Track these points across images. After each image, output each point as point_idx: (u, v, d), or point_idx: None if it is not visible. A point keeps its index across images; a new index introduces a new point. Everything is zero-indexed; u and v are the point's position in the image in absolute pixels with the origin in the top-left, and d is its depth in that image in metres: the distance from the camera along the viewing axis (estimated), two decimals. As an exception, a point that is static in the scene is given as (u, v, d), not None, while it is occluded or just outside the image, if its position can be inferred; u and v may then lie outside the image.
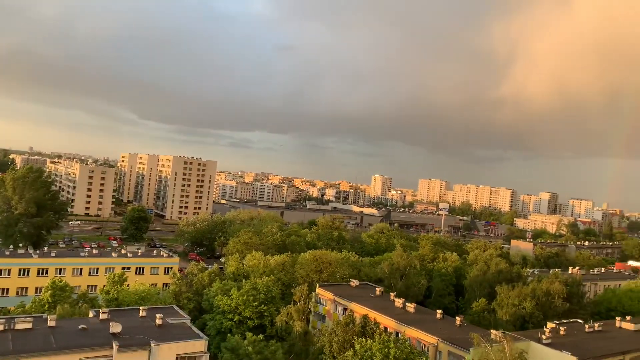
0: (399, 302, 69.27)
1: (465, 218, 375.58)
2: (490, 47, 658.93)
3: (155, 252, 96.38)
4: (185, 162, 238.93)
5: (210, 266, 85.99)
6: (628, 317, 73.66)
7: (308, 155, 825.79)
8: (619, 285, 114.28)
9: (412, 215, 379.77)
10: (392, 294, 74.17)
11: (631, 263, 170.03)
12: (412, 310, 66.76)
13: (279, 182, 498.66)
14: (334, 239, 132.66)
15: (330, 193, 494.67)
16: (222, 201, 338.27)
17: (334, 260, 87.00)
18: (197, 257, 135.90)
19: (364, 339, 48.63)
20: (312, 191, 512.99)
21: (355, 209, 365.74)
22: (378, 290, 75.96)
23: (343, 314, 67.32)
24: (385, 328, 59.33)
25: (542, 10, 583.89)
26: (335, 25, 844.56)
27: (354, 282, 79.92)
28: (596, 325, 67.52)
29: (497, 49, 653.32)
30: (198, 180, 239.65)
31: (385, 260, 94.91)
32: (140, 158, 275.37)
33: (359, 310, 64.97)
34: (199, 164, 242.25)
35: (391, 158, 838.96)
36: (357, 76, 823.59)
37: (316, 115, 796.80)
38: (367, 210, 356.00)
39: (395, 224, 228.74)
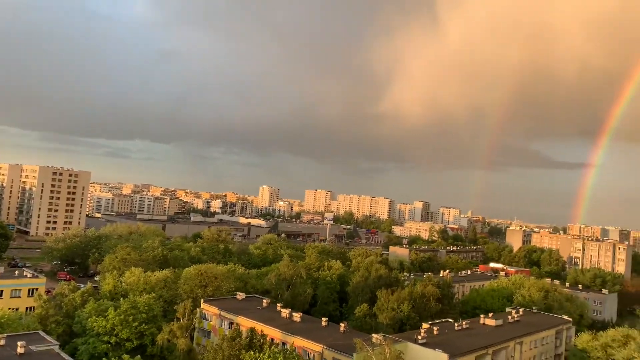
0: (285, 312, 69.79)
1: (348, 227, 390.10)
2: (370, 64, 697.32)
3: (17, 272, 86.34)
4: (55, 173, 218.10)
5: (83, 285, 79.30)
6: (490, 314, 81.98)
7: (193, 166, 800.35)
8: (483, 285, 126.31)
9: (299, 225, 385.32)
10: (279, 304, 74.51)
11: (492, 265, 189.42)
12: (298, 319, 67.63)
13: (161, 194, 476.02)
14: (220, 252, 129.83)
15: (216, 205, 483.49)
16: (97, 215, 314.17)
17: (219, 273, 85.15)
18: (68, 277, 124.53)
19: (252, 352, 48.19)
20: (197, 203, 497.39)
21: (243, 220, 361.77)
22: (265, 301, 75.81)
23: (229, 328, 66.08)
24: (272, 339, 59.37)
25: (415, 32, 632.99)
26: (222, 34, 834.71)
27: (241, 295, 78.93)
28: (464, 323, 74.17)
29: (377, 67, 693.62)
30: (69, 193, 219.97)
31: (272, 271, 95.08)
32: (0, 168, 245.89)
33: (245, 323, 64.26)
34: (70, 175, 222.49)
35: (279, 169, 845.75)
36: (243, 86, 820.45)
37: (201, 124, 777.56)
38: (255, 222, 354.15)
39: (283, 235, 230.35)
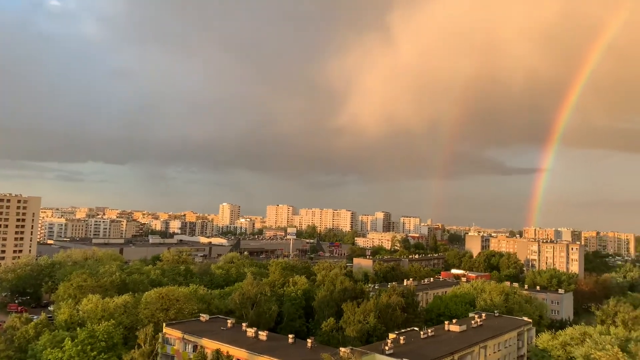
0: (251, 331, 68.62)
1: (312, 241, 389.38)
2: (328, 80, 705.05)
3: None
4: (1, 200, 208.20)
5: (36, 317, 75.49)
6: (454, 320, 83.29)
7: (150, 186, 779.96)
8: (446, 292, 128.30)
9: (261, 242, 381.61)
10: (244, 324, 73.23)
11: (453, 271, 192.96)
12: (264, 338, 66.60)
13: (117, 217, 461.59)
14: (181, 273, 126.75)
15: (175, 225, 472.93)
16: (50, 242, 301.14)
17: (181, 296, 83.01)
18: (19, 308, 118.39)
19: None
20: (156, 224, 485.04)
21: (203, 240, 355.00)
22: (229, 322, 74.32)
23: (193, 351, 64.42)
24: (239, 360, 58.19)
25: (370, 48, 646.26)
26: (177, 52, 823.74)
27: (204, 317, 77.11)
28: (429, 331, 75.04)
29: (334, 82, 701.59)
30: (18, 220, 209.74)
31: (236, 291, 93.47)
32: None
33: (210, 345, 62.77)
34: (19, 201, 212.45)
35: (239, 185, 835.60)
36: (201, 103, 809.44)
37: (158, 143, 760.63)
38: (216, 241, 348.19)
39: (245, 252, 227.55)
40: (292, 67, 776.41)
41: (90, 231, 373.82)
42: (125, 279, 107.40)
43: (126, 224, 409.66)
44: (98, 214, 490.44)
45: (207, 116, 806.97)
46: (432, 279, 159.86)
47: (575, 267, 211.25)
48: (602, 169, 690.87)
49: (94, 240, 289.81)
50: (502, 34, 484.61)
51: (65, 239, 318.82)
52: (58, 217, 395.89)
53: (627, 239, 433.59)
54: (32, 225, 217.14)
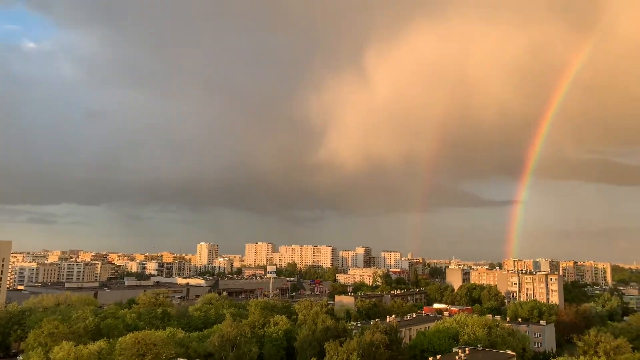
0: (231, 375, 66.41)
1: (292, 279, 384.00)
2: (307, 117, 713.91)
3: None
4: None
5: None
6: (438, 356, 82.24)
7: (125, 227, 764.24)
8: (429, 327, 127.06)
9: (240, 281, 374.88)
10: (223, 368, 70.93)
11: (436, 305, 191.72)
12: (245, 382, 64.47)
13: (92, 259, 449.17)
14: (158, 316, 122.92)
15: (151, 266, 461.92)
16: (20, 287, 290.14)
17: (158, 340, 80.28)
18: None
19: None
20: (131, 266, 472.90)
21: (181, 281, 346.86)
22: (209, 366, 71.96)
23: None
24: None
25: (347, 85, 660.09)
26: (155, 91, 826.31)
27: (182, 361, 74.55)
28: (414, 367, 73.79)
29: (313, 119, 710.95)
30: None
31: (214, 333, 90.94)
32: None
33: (188, 392, 60.36)
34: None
35: (217, 224, 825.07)
36: (179, 143, 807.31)
37: (134, 183, 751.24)
38: (194, 281, 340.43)
39: (224, 293, 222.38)
40: (271, 104, 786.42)
41: (63, 275, 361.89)
42: (100, 323, 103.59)
43: (101, 267, 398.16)
44: (71, 257, 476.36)
45: (185, 155, 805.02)
46: (414, 314, 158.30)
47: (555, 298, 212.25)
48: (575, 199, 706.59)
49: (66, 285, 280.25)
50: (474, 71, 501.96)
51: (36, 284, 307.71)
52: (29, 262, 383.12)
53: (603, 268, 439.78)
54: (2, 271, 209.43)
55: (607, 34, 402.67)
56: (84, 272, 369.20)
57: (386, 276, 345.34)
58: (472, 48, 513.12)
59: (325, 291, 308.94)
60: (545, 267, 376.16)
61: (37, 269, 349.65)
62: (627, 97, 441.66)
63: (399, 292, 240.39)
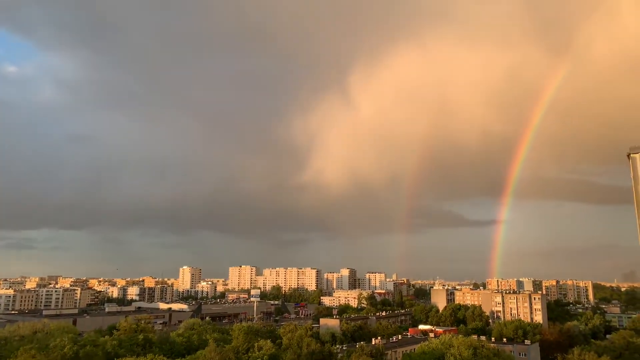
0: (214, 403, 64.97)
1: (276, 302, 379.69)
2: (292, 139, 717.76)
3: None
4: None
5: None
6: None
7: (107, 252, 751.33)
8: (414, 349, 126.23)
9: (224, 306, 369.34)
10: (206, 395, 69.39)
11: (421, 327, 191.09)
12: (229, 409, 63.10)
13: (71, 285, 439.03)
14: (139, 343, 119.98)
15: (133, 291, 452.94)
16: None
17: (139, 368, 78.38)
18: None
19: None
20: (112, 291, 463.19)
21: (163, 306, 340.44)
22: (191, 394, 70.34)
23: None
24: None
25: (332, 107, 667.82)
26: (137, 115, 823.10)
27: (164, 390, 72.72)
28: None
29: (298, 140, 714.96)
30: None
31: (198, 359, 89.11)
32: None
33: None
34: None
35: (200, 248, 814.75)
36: (162, 166, 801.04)
37: (116, 207, 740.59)
38: (176, 306, 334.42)
39: (207, 318, 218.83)
40: (256, 126, 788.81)
41: (41, 302, 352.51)
42: (79, 352, 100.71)
43: (80, 293, 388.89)
44: (50, 283, 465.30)
45: (168, 178, 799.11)
46: (400, 336, 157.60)
47: (539, 317, 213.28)
48: (555, 218, 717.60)
49: (44, 312, 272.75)
50: (456, 94, 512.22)
51: (13, 312, 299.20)
52: (6, 289, 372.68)
53: (585, 287, 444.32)
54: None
55: (582, 57, 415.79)
56: (62, 298, 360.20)
57: (371, 298, 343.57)
58: (454, 72, 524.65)
59: (310, 314, 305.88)
60: (528, 286, 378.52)
61: (14, 296, 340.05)
62: (602, 120, 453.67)
63: (384, 313, 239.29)
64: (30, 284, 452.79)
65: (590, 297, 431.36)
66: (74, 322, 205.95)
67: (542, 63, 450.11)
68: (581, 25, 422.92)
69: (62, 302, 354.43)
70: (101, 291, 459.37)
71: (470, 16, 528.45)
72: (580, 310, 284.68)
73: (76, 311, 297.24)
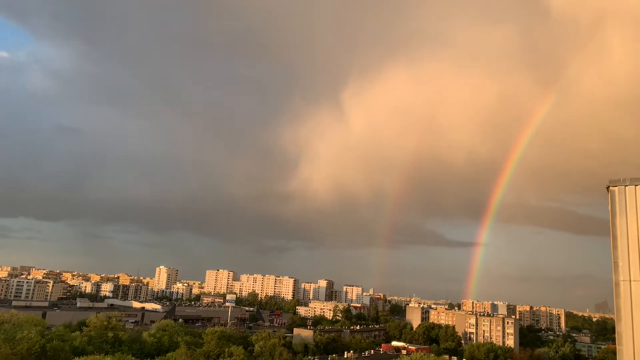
0: (180, 406, 64.36)
1: (251, 309, 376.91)
2: (281, 147, 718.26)
3: None
4: None
5: None
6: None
7: (83, 246, 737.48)
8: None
9: (198, 309, 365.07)
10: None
11: (394, 343, 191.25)
12: (194, 414, 62.53)
13: (44, 277, 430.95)
14: (109, 341, 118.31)
15: (107, 288, 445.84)
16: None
17: (107, 366, 77.36)
18: None
19: None
20: (86, 286, 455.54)
21: (136, 305, 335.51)
22: (158, 395, 69.56)
23: None
24: None
25: (323, 119, 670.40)
26: (128, 112, 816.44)
27: (130, 390, 71.81)
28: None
29: (287, 149, 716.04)
30: None
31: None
32: None
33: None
34: None
35: (179, 248, 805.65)
36: (148, 164, 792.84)
37: (97, 202, 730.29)
38: (150, 306, 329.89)
39: (180, 320, 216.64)
40: (246, 132, 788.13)
41: (11, 292, 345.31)
42: (46, 345, 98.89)
43: (53, 286, 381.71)
44: (22, 274, 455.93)
45: (153, 176, 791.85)
46: (372, 351, 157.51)
47: (511, 341, 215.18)
48: (534, 245, 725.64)
49: (14, 302, 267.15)
50: (446, 115, 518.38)
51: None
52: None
53: (558, 314, 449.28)
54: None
55: (570, 90, 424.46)
56: (34, 290, 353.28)
57: (347, 311, 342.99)
58: (445, 94, 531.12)
59: (285, 323, 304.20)
60: (502, 310, 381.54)
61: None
62: (586, 152, 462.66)
63: (358, 327, 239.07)
64: (2, 273, 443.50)
65: (563, 325, 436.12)
66: (44, 315, 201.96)
67: (531, 92, 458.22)
68: (571, 59, 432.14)
69: (33, 293, 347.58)
70: (74, 285, 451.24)
71: (465, 41, 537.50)
72: (551, 337, 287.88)
73: (47, 304, 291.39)
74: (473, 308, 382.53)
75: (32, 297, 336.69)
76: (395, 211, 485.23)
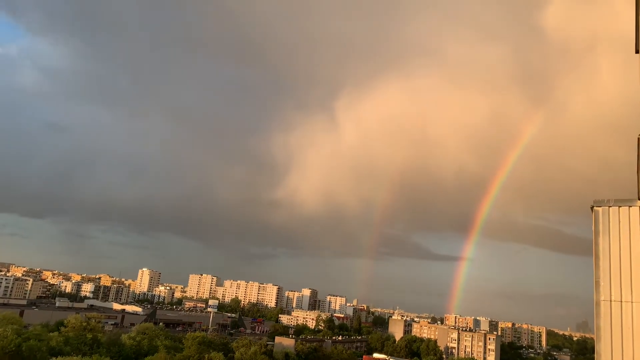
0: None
1: (233, 315, 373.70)
2: (271, 154, 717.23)
3: None
4: None
5: None
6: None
7: (66, 244, 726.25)
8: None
9: (180, 313, 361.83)
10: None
11: (376, 355, 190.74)
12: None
13: (23, 275, 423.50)
14: (87, 342, 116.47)
15: (87, 288, 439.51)
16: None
17: (83, 367, 75.99)
18: None
19: None
20: (66, 286, 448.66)
21: (117, 306, 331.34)
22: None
23: None
24: None
25: (314, 128, 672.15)
26: (119, 112, 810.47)
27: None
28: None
29: (277, 156, 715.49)
30: None
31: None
32: None
33: None
34: None
35: (164, 251, 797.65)
36: (137, 165, 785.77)
37: (83, 200, 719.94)
38: (130, 308, 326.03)
39: (161, 323, 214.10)
40: (236, 137, 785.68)
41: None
42: (22, 345, 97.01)
43: (32, 284, 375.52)
44: (1, 271, 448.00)
45: (141, 178, 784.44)
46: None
47: (492, 357, 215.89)
48: (518, 262, 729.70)
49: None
50: (436, 130, 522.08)
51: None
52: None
53: (539, 332, 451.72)
54: None
55: (559, 110, 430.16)
56: (12, 287, 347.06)
57: (329, 321, 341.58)
58: (436, 108, 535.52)
59: (266, 331, 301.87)
60: (484, 325, 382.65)
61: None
62: (573, 172, 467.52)
63: (340, 338, 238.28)
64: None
65: (544, 342, 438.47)
66: (21, 314, 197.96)
67: (521, 111, 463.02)
68: (562, 79, 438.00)
69: (11, 291, 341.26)
70: (54, 284, 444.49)
71: (458, 58, 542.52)
72: (532, 355, 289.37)
73: (25, 302, 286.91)
74: (456, 323, 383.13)
75: (10, 294, 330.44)
76: (383, 223, 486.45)
